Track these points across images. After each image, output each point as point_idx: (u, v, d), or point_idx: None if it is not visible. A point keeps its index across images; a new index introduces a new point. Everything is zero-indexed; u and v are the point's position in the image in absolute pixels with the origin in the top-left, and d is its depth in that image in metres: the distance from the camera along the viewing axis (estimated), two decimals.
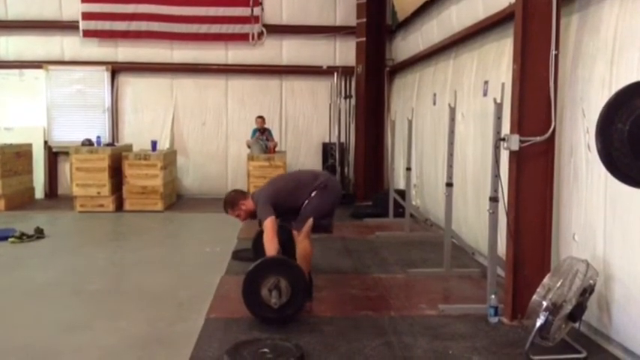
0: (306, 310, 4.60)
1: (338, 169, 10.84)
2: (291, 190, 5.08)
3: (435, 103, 8.03)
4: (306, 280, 4.46)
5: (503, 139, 4.30)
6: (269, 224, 4.73)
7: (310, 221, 4.92)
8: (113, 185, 9.61)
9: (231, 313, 4.64)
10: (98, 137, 10.26)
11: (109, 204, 9.56)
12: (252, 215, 5.12)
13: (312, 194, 5.00)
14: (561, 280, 3.68)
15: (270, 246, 4.64)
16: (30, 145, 10.70)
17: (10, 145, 10.04)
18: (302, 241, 4.89)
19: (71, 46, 11.19)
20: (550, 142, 4.30)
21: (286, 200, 4.98)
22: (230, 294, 5.14)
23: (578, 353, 3.78)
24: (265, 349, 3.78)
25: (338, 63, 11.36)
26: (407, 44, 9.99)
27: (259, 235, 5.42)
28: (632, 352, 3.67)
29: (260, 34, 11.24)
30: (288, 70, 11.43)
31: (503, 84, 4.64)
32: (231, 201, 5.16)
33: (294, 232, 4.97)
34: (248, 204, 5.10)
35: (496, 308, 4.40)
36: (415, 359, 3.77)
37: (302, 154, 11.46)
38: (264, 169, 9.98)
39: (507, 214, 4.37)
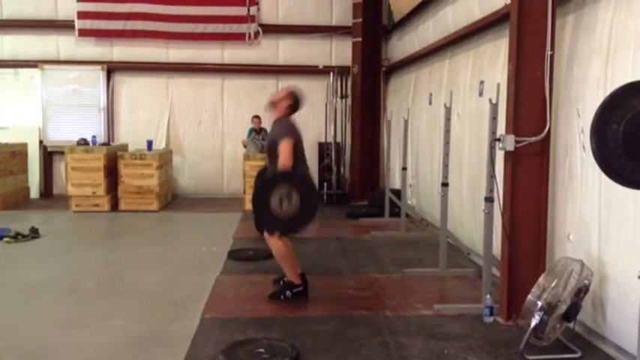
0: (314, 229, 4.67)
1: (334, 168, 10.85)
2: (299, 154, 5.03)
3: (430, 103, 8.04)
4: (317, 196, 4.50)
5: (499, 140, 4.31)
6: (289, 143, 4.79)
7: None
8: (108, 185, 9.58)
9: (226, 312, 4.64)
10: (94, 137, 10.23)
11: (105, 204, 9.53)
12: (273, 107, 5.21)
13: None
14: (556, 280, 3.70)
15: (287, 161, 4.71)
16: (25, 145, 10.66)
17: (5, 145, 10.01)
18: (274, 243, 4.91)
19: (67, 46, 11.16)
20: (545, 142, 4.31)
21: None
22: (226, 293, 5.15)
23: (572, 353, 3.79)
24: (261, 349, 3.79)
25: (334, 63, 11.37)
26: (403, 44, 10.00)
27: (263, 170, 5.49)
28: (627, 352, 3.68)
29: (256, 34, 11.24)
30: (284, 70, 11.43)
31: (498, 84, 4.66)
32: (291, 93, 5.22)
33: (265, 235, 5.01)
34: (284, 107, 5.13)
35: (491, 308, 4.41)
36: (411, 359, 3.78)
37: None
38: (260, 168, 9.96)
39: (502, 214, 4.38)
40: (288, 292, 4.95)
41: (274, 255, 5.03)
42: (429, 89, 8.21)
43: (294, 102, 5.18)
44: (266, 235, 5.01)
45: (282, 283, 5.11)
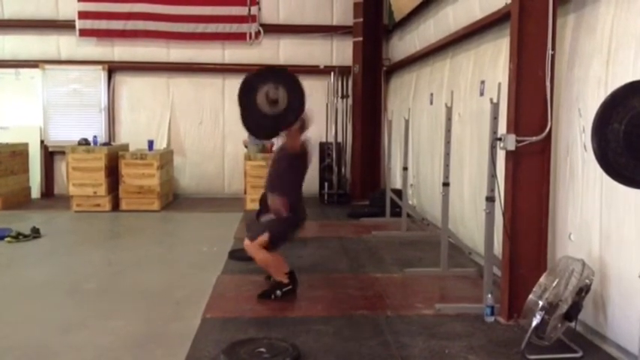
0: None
1: (335, 168, 10.84)
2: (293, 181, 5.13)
3: (431, 103, 8.03)
4: (303, 95, 4.48)
5: (500, 139, 4.31)
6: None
7: (265, 236, 4.95)
8: (109, 185, 9.59)
9: (227, 312, 4.64)
10: (95, 137, 10.24)
11: (106, 203, 9.54)
12: (286, 137, 5.16)
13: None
14: (557, 280, 3.70)
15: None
16: (26, 145, 10.67)
17: (6, 145, 10.02)
18: (257, 253, 4.96)
19: (67, 46, 11.16)
20: (546, 141, 4.31)
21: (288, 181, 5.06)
22: (227, 293, 5.15)
23: (574, 352, 3.79)
24: (262, 349, 3.78)
25: (335, 62, 11.36)
26: (404, 44, 9.99)
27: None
28: (628, 352, 3.68)
29: (257, 34, 11.24)
30: None
31: (499, 84, 4.65)
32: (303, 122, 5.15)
33: (246, 242, 5.06)
34: (297, 133, 5.07)
35: (492, 308, 4.41)
36: (412, 358, 3.78)
37: None
38: (261, 168, 9.95)
39: (504, 214, 4.38)
40: (278, 292, 4.95)
41: (258, 263, 5.09)
42: (429, 89, 8.20)
43: (302, 123, 5.14)
44: (246, 243, 5.06)
45: (271, 281, 5.11)
